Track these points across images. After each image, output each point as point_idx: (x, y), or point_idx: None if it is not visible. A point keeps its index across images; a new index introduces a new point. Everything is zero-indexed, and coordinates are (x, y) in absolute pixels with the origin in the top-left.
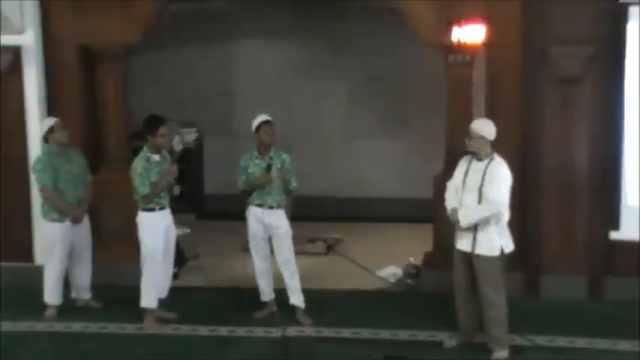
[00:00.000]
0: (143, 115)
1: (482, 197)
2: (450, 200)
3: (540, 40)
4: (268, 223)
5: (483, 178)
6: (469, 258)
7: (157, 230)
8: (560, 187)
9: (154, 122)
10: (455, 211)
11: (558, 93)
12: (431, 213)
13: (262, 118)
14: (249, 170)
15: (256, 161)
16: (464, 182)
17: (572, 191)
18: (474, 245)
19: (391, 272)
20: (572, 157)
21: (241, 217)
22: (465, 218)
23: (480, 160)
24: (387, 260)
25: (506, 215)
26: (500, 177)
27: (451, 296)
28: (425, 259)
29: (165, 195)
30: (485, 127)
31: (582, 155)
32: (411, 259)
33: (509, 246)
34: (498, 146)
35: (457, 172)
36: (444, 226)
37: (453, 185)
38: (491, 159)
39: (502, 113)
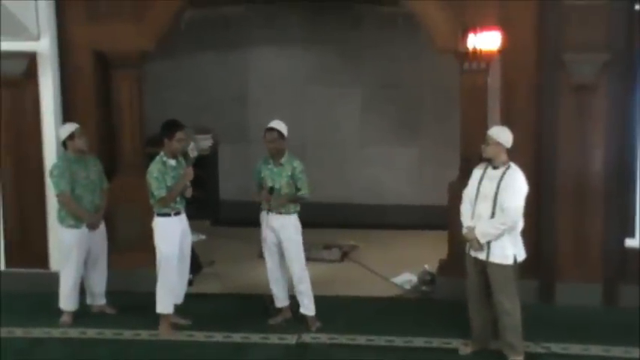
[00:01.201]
0: (158, 121)
1: (497, 206)
2: (466, 216)
3: (555, 46)
4: (276, 228)
5: (498, 186)
6: (482, 265)
7: (172, 235)
8: (575, 193)
9: (171, 126)
10: (471, 230)
11: (573, 99)
12: (445, 220)
13: (268, 124)
14: (262, 175)
15: (269, 167)
16: (478, 190)
17: (587, 198)
18: (487, 253)
19: (406, 279)
20: (587, 163)
21: (256, 224)
22: (482, 236)
23: (495, 167)
24: (402, 267)
25: (520, 224)
26: (515, 186)
27: (466, 303)
28: (440, 266)
29: (181, 200)
30: (502, 134)
31: (597, 162)
32: (426, 266)
33: (521, 254)
34: (513, 153)
35: (471, 180)
36: (459, 233)
37: (467, 196)
38: (508, 167)
39: (517, 120)
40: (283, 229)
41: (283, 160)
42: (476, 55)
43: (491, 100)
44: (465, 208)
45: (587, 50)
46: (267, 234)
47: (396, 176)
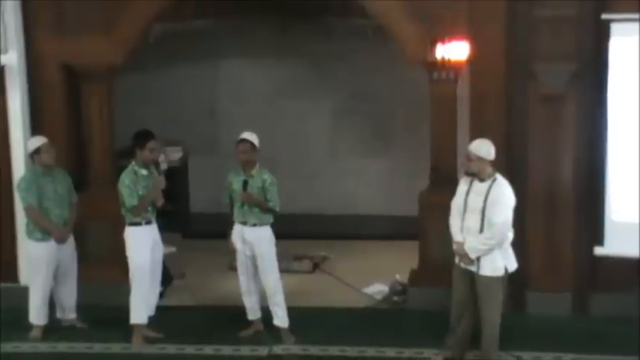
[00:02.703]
0: (128, 135)
1: (486, 220)
2: (455, 230)
3: (524, 56)
4: (249, 240)
5: (486, 201)
6: (470, 274)
7: (144, 244)
8: (545, 203)
9: (143, 136)
10: (460, 245)
11: (543, 109)
12: (416, 230)
13: (240, 136)
14: (233, 186)
15: (239, 178)
16: (465, 203)
17: (558, 207)
18: (478, 266)
19: (377, 290)
20: (557, 173)
21: (227, 236)
22: (472, 252)
23: (482, 180)
24: (373, 277)
25: (509, 236)
26: (502, 200)
27: (437, 313)
28: (411, 276)
29: (152, 210)
30: (482, 148)
31: (567, 171)
32: (397, 276)
33: (512, 265)
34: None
35: (458, 193)
36: (430, 243)
37: (456, 210)
38: (494, 180)
39: (487, 130)
40: (258, 242)
41: (254, 171)
42: (445, 64)
43: (460, 110)
44: (454, 222)
45: (557, 60)
46: (240, 246)
47: (368, 187)
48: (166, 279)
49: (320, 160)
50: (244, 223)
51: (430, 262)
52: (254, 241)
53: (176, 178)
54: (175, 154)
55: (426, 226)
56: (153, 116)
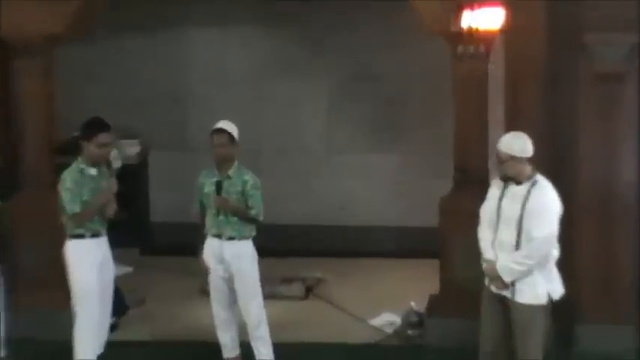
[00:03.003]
0: (74, 123)
1: (523, 234)
2: (485, 244)
3: (573, 25)
4: (227, 259)
5: (523, 209)
6: (504, 301)
7: (88, 263)
8: (599, 212)
9: (93, 127)
10: (492, 264)
11: (596, 92)
12: (436, 245)
13: (216, 125)
14: (205, 190)
15: (214, 179)
16: (498, 212)
17: (615, 217)
18: (513, 291)
19: (387, 321)
20: (615, 173)
21: (197, 251)
22: (506, 273)
23: (519, 183)
24: (382, 305)
25: (553, 254)
26: (544, 209)
27: (462, 350)
28: (429, 304)
29: (100, 220)
30: (515, 144)
31: (627, 171)
32: (413, 303)
33: (557, 290)
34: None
35: (489, 197)
36: (453, 262)
37: (486, 219)
38: (534, 182)
39: (525, 117)
40: (237, 260)
41: (232, 171)
42: (473, 36)
43: (492, 93)
44: (484, 235)
45: (614, 30)
46: (215, 266)
47: (373, 190)
48: (120, 307)
49: (314, 157)
50: (219, 237)
51: (453, 285)
52: (231, 259)
53: (133, 179)
54: (132, 149)
55: (448, 240)
56: (104, 100)
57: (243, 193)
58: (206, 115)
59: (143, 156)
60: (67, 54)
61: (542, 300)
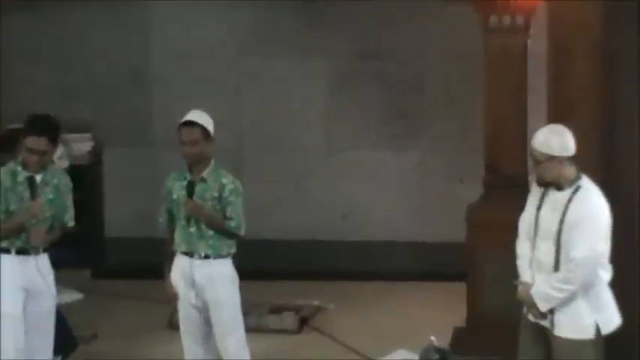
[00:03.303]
0: (8, 113)
1: (563, 251)
2: (522, 262)
3: None
4: (200, 283)
5: (563, 221)
6: (544, 334)
7: (9, 284)
8: None
9: (27, 124)
10: (527, 288)
11: None
12: (463, 265)
13: (185, 117)
14: (174, 196)
15: (184, 183)
16: (536, 224)
17: None
18: (552, 322)
19: (401, 359)
20: None
21: (165, 274)
22: (541, 300)
23: (559, 188)
24: (395, 341)
25: (604, 276)
26: (588, 220)
27: None
28: (454, 339)
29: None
30: (553, 141)
31: None
32: (433, 338)
33: (610, 321)
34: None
35: (528, 206)
36: (484, 286)
37: (524, 230)
38: (577, 188)
39: (574, 106)
40: (211, 283)
41: (207, 172)
42: (509, 4)
43: (533, 74)
44: (522, 251)
45: None
46: (185, 291)
47: (383, 196)
48: (66, 344)
49: (311, 155)
50: (190, 255)
51: (484, 315)
52: (205, 282)
53: (83, 183)
54: (82, 146)
55: (477, 258)
56: (47, 84)
57: (220, 199)
58: (174, 102)
59: (96, 154)
60: (4, 29)
61: (589, 334)
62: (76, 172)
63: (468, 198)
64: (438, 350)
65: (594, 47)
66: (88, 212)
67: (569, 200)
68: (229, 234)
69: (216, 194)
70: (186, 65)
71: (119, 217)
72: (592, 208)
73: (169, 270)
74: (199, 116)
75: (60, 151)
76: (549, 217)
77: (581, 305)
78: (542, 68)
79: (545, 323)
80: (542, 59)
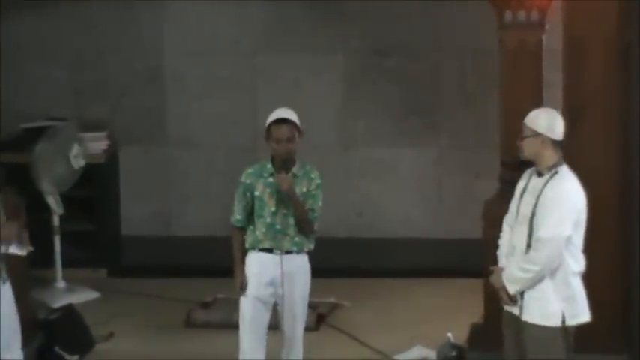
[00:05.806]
0: (18, 113)
1: (534, 234)
2: (500, 249)
3: None
4: (281, 278)
5: (536, 204)
6: (518, 325)
7: None
8: None
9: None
10: (498, 272)
11: None
12: (479, 261)
13: (274, 115)
14: (257, 193)
15: (270, 179)
16: (518, 209)
17: None
18: (521, 308)
19: (418, 356)
20: None
21: (182, 272)
22: (510, 282)
23: (540, 175)
24: (412, 337)
25: (572, 263)
26: (558, 202)
27: None
28: (471, 335)
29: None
30: (542, 119)
31: None
32: (449, 334)
33: (577, 314)
34: (581, 161)
35: (515, 193)
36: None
37: (507, 219)
38: (554, 173)
39: (590, 99)
40: (292, 278)
41: (296, 168)
42: (524, 1)
43: (549, 71)
44: (502, 239)
45: None
46: (260, 287)
47: (400, 193)
48: (83, 342)
49: (326, 152)
50: (274, 251)
51: (501, 311)
52: (286, 277)
53: (99, 181)
54: (97, 145)
55: (494, 254)
56: (60, 82)
57: (307, 195)
58: (189, 101)
59: (112, 153)
60: (14, 28)
61: (554, 321)
62: (91, 170)
63: (485, 194)
64: (455, 346)
65: (610, 42)
66: (103, 211)
67: (545, 185)
68: (307, 224)
69: (305, 189)
70: (200, 63)
71: (135, 216)
72: (562, 192)
73: (241, 269)
74: (289, 113)
75: (76, 149)
76: (528, 202)
77: (548, 289)
78: (559, 62)
79: (515, 310)
80: (559, 53)
